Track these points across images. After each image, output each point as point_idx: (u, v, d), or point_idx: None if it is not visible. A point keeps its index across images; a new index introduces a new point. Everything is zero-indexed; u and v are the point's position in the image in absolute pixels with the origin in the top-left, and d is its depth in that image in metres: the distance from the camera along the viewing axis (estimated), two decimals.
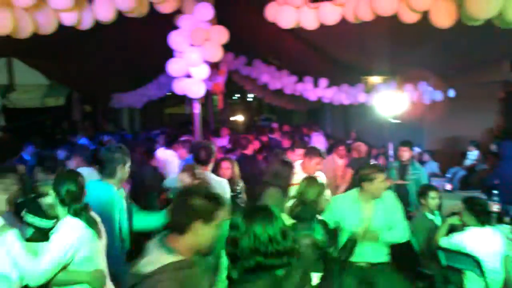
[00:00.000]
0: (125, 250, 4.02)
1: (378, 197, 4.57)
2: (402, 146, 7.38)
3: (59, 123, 18.81)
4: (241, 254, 2.31)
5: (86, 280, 3.42)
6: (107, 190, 4.03)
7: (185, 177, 4.72)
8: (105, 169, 4.02)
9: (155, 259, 2.40)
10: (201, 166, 5.42)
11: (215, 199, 2.53)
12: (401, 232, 4.61)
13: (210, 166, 5.68)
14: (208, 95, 11.80)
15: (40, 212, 3.56)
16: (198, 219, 2.43)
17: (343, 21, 5.28)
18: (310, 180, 4.56)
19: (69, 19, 4.77)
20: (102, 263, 3.56)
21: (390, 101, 8.85)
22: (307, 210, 4.29)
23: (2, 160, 11.26)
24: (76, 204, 3.46)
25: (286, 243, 2.34)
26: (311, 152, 6.15)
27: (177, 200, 2.58)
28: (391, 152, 9.53)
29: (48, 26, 4.70)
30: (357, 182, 4.72)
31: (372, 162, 9.73)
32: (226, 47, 6.33)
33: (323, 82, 11.21)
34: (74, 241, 3.36)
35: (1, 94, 17.55)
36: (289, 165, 5.15)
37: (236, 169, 5.96)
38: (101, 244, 3.56)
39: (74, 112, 17.81)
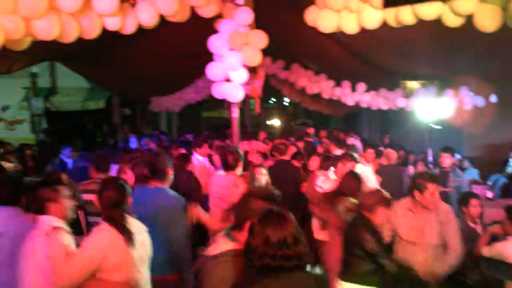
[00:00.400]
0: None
1: (430, 208, 4.49)
2: (444, 152, 7.22)
3: (99, 125, 19.18)
4: (252, 254, 2.40)
5: None
6: (165, 195, 4.21)
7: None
8: (158, 173, 4.13)
9: (220, 245, 2.78)
10: (228, 171, 5.52)
11: (273, 200, 2.82)
12: (452, 257, 4.52)
13: (238, 170, 5.70)
14: (246, 99, 11.84)
15: None
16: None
17: (384, 25, 5.22)
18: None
19: (113, 23, 4.86)
20: (135, 273, 3.51)
21: (430, 106, 8.72)
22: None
23: (44, 161, 11.58)
24: (114, 210, 3.49)
25: (297, 247, 2.39)
26: (345, 157, 6.15)
27: (240, 200, 2.94)
28: (430, 158, 9.37)
29: (92, 31, 4.79)
30: (410, 190, 4.66)
31: (411, 169, 9.62)
32: (264, 51, 6.34)
33: (361, 86, 11.11)
34: (102, 247, 3.38)
35: (44, 97, 18.06)
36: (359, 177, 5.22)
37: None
38: (136, 253, 3.50)
39: (114, 115, 18.14)
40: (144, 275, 3.59)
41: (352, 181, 5.18)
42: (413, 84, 12.88)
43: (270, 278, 2.36)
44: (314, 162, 7.69)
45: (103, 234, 3.43)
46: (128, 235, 3.43)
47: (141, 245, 3.56)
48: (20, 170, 10.98)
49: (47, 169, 10.00)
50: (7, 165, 10.37)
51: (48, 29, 4.42)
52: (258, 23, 6.54)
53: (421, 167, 8.81)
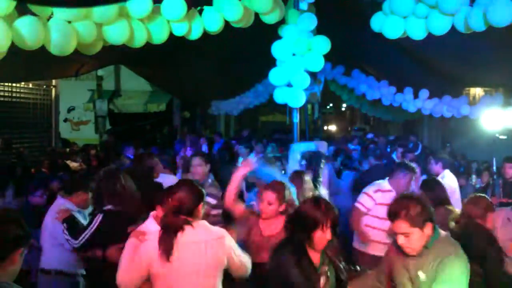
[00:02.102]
0: None
1: None
2: (508, 162, 6.94)
3: (160, 128, 19.59)
4: None
5: None
6: None
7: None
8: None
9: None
10: None
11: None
12: None
13: None
14: (305, 104, 11.83)
15: None
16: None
17: (451, 31, 5.10)
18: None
19: (180, 29, 4.98)
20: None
21: (496, 115, 8.43)
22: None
23: (107, 161, 11.95)
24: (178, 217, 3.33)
25: None
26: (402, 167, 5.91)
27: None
28: (494, 168, 9.05)
29: (160, 36, 4.93)
30: None
31: (474, 178, 9.32)
32: (324, 57, 6.31)
33: (424, 93, 10.86)
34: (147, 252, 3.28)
35: (108, 99, 18.67)
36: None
37: None
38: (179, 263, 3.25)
39: (174, 118, 18.50)
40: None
41: (442, 188, 5.01)
42: (476, 91, 12.51)
43: None
44: None
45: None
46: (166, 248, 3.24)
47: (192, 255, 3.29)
48: (84, 169, 11.39)
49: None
50: (73, 164, 10.78)
51: (118, 34, 4.58)
52: (320, 29, 6.54)
53: (485, 177, 8.51)
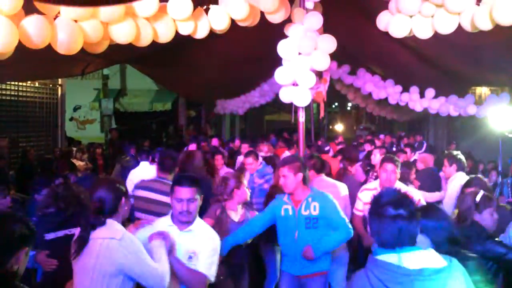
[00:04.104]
0: None
1: None
2: None
3: (165, 127, 19.64)
4: None
5: None
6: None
7: None
8: None
9: None
10: None
11: None
12: None
13: None
14: (310, 103, 11.82)
15: None
16: None
17: (457, 30, 5.08)
18: None
19: (186, 28, 4.97)
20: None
21: (504, 114, 8.40)
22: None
23: (113, 160, 12.00)
24: None
25: None
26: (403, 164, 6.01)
27: None
28: (500, 167, 9.03)
29: (166, 35, 4.93)
30: None
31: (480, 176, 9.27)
32: (330, 56, 6.29)
33: (430, 92, 10.83)
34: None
35: (113, 98, 18.74)
36: None
37: None
38: None
39: (179, 117, 18.53)
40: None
41: None
42: (482, 90, 12.46)
43: None
44: None
45: None
46: None
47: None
48: (90, 168, 11.43)
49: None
50: (79, 163, 10.82)
51: (125, 33, 4.58)
52: (326, 28, 6.51)
53: (493, 177, 8.49)
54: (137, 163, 7.76)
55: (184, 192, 3.47)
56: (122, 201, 3.34)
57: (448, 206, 6.00)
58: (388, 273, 2.39)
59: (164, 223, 3.59)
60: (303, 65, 6.04)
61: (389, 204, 2.47)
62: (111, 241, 3.10)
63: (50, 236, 4.17)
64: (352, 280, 2.61)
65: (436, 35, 5.24)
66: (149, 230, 3.53)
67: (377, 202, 2.53)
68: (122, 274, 3.13)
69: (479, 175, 9.12)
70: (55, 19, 4.10)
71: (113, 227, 3.20)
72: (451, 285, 2.38)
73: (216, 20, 5.11)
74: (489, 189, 4.99)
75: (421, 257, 2.43)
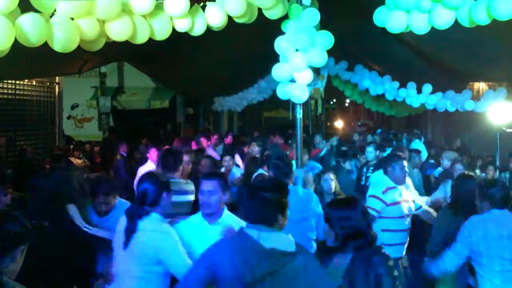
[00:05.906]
0: None
1: None
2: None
3: (163, 124, 19.60)
4: None
5: None
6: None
7: None
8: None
9: None
10: None
11: None
12: None
13: None
14: (308, 100, 11.82)
15: None
16: None
17: (454, 25, 5.08)
18: None
19: (183, 24, 4.96)
20: None
21: (501, 109, 8.42)
22: None
23: (110, 158, 11.99)
24: None
25: None
26: None
27: None
28: (498, 162, 9.04)
29: (163, 32, 4.91)
30: None
31: (478, 173, 9.31)
32: (328, 52, 6.28)
33: (427, 88, 10.83)
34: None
35: (111, 96, 18.70)
36: None
37: None
38: None
39: (177, 114, 18.52)
40: None
41: None
42: (480, 86, 12.48)
43: None
44: None
45: None
46: None
47: None
48: (88, 166, 11.43)
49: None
50: (76, 161, 10.81)
51: (121, 30, 4.57)
52: (322, 24, 6.50)
53: (491, 172, 8.49)
54: (145, 160, 7.73)
55: (206, 184, 3.69)
56: (164, 195, 3.59)
57: None
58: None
59: (197, 218, 3.82)
60: (300, 61, 6.04)
61: None
62: (155, 233, 3.41)
63: None
64: None
65: (433, 30, 5.24)
66: (184, 224, 3.82)
67: None
68: (162, 265, 3.42)
69: (477, 171, 9.24)
70: (51, 17, 4.10)
71: (157, 220, 3.49)
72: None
73: (213, 16, 5.10)
74: None
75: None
